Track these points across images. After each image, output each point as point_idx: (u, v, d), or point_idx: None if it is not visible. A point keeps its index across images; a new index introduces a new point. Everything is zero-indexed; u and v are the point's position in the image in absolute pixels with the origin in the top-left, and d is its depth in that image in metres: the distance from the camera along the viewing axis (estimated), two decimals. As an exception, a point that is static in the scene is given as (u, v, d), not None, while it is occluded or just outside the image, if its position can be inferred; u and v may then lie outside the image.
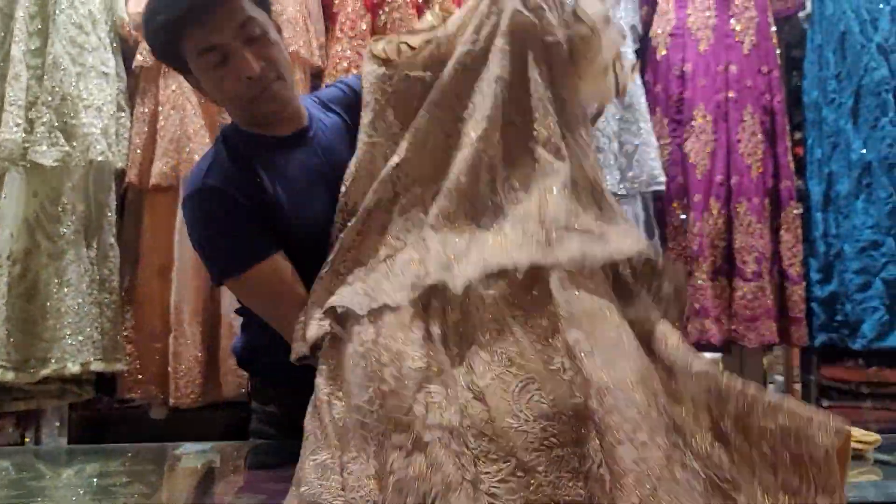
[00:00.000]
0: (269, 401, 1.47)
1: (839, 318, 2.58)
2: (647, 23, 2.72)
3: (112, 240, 2.32)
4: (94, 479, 1.29)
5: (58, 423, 2.39)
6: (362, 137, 1.28)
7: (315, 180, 1.34)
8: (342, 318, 1.10)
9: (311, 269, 1.25)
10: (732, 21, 2.66)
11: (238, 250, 1.29)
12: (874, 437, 1.65)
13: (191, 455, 1.39)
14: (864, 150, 2.60)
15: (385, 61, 1.33)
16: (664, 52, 2.68)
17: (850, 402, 2.70)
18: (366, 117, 1.30)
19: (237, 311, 1.53)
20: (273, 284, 1.28)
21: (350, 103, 1.42)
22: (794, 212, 2.63)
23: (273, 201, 1.30)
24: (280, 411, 1.45)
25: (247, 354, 1.49)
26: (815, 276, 2.62)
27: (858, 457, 1.62)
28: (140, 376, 2.32)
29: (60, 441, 2.38)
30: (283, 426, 1.43)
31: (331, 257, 1.20)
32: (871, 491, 1.40)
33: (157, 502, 1.10)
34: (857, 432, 1.66)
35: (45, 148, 2.19)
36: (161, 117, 2.33)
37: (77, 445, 2.28)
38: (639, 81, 2.59)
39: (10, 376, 2.16)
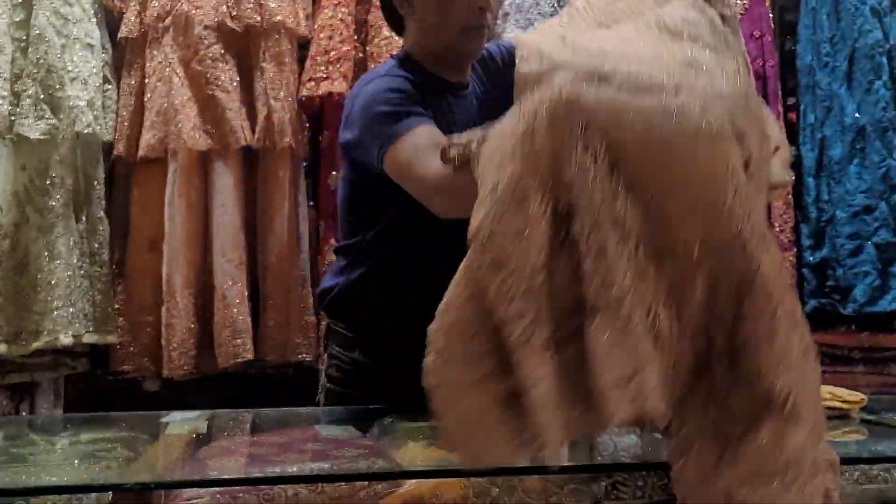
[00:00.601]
0: (353, 347, 1.50)
1: (830, 283, 2.58)
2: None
3: (101, 213, 2.32)
4: (80, 445, 1.30)
5: (53, 397, 2.40)
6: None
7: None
8: None
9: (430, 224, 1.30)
10: (724, -15, 2.62)
11: (408, 115, 1.34)
12: (859, 396, 1.66)
13: (178, 423, 1.40)
14: (858, 115, 2.58)
15: None
16: (655, 18, 2.65)
17: (842, 367, 2.71)
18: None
19: (336, 251, 1.55)
20: (434, 140, 1.29)
21: (497, 65, 1.49)
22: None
23: None
24: (365, 359, 1.49)
25: (338, 297, 1.51)
26: (806, 241, 2.61)
27: (844, 416, 1.64)
28: (132, 349, 2.33)
29: (56, 413, 2.39)
30: (362, 375, 1.49)
31: None
32: (856, 449, 1.41)
33: (140, 464, 1.11)
34: (842, 392, 1.67)
35: (31, 121, 2.18)
36: (148, 89, 2.32)
37: (70, 414, 2.30)
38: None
39: (2, 349, 2.17)
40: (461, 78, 1.46)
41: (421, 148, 1.29)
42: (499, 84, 1.43)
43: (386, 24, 2.34)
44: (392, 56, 1.51)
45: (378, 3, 2.47)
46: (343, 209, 1.55)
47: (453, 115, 1.41)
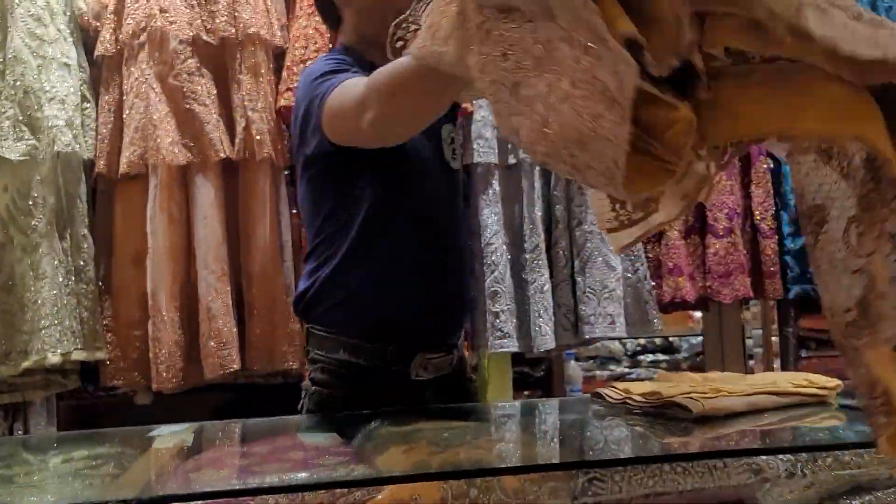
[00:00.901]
0: (337, 348, 1.51)
1: (812, 269, 2.60)
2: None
3: (85, 230, 2.34)
4: (68, 464, 1.32)
5: (46, 415, 2.42)
6: None
7: None
8: None
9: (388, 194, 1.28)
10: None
11: (343, 72, 1.37)
12: (835, 382, 1.68)
13: (165, 437, 1.42)
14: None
15: None
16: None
17: (828, 352, 2.74)
18: None
19: (305, 257, 1.57)
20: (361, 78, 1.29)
21: None
22: (764, 166, 2.64)
23: None
24: (351, 358, 1.50)
25: (312, 300, 1.53)
26: (787, 228, 2.64)
27: (822, 402, 1.66)
28: (122, 364, 2.34)
29: (50, 431, 2.41)
30: (351, 374, 1.50)
31: None
32: (831, 435, 1.43)
33: (124, 480, 1.13)
34: (819, 379, 1.70)
35: (10, 142, 2.19)
36: (126, 106, 2.33)
37: (63, 433, 2.31)
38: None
39: (-8, 370, 2.19)
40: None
41: (351, 85, 1.28)
42: None
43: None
44: (332, 49, 1.54)
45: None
46: (306, 211, 1.56)
47: None
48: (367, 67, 1.43)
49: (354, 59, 1.48)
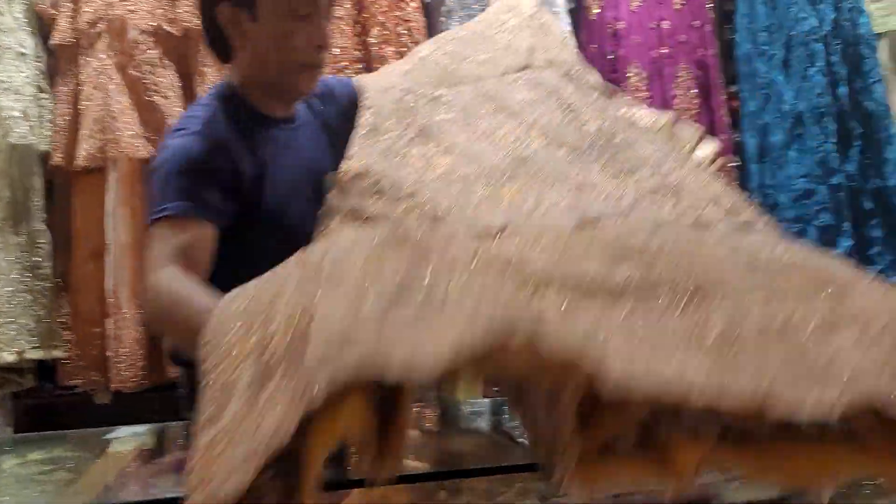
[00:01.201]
0: None
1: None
2: (580, -19, 2.71)
3: (41, 225, 2.27)
4: (23, 468, 1.28)
5: (1, 414, 2.35)
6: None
7: (299, 171, 1.34)
8: None
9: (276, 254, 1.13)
10: (663, -24, 2.66)
11: (185, 196, 1.22)
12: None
13: (123, 439, 1.38)
14: (796, 101, 2.63)
15: None
16: (597, 11, 2.68)
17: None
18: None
19: None
20: (199, 247, 1.21)
21: (338, 103, 1.45)
22: (730, 165, 2.66)
23: (256, 175, 1.29)
24: None
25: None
26: (752, 226, 2.66)
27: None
28: (81, 362, 2.28)
29: (6, 431, 2.34)
30: None
31: None
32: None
33: (78, 487, 1.09)
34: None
35: (-37, 134, 2.12)
36: (83, 97, 2.26)
37: (16, 434, 2.25)
38: (574, 42, 2.58)
39: (-57, 369, 2.11)
40: (288, 113, 1.40)
41: (165, 241, 1.20)
42: (338, 123, 1.40)
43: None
44: (216, 88, 1.40)
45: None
46: None
47: (281, 150, 1.35)
48: (254, 117, 1.35)
49: (239, 106, 1.36)
